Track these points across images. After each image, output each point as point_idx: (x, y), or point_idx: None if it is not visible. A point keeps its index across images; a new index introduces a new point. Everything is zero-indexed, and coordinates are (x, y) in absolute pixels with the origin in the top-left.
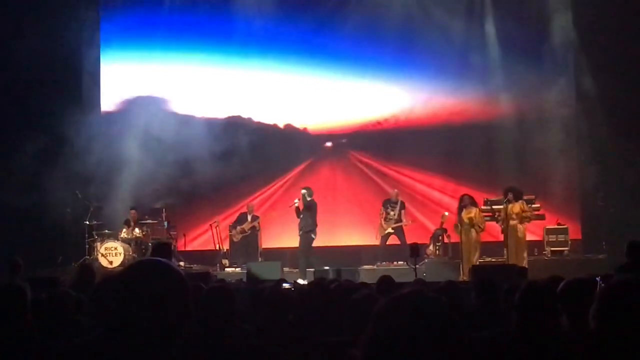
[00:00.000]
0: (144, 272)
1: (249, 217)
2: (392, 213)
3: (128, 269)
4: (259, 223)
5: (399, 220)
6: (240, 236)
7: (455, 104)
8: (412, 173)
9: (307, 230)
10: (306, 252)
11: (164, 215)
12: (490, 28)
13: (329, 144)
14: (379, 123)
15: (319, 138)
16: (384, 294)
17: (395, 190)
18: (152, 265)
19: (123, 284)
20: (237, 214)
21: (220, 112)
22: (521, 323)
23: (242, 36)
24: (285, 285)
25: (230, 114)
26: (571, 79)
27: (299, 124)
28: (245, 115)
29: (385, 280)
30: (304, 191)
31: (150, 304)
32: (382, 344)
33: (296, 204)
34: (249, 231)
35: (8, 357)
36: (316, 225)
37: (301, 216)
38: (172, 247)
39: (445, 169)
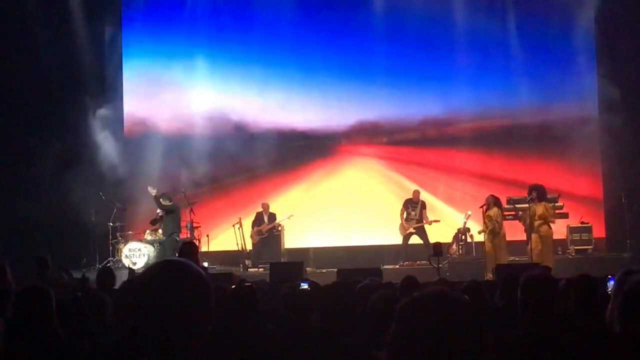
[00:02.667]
0: (165, 272)
1: (266, 218)
2: (413, 213)
3: (149, 270)
4: (279, 224)
5: (420, 220)
6: (257, 237)
7: (476, 101)
8: (434, 172)
9: (171, 234)
10: (170, 253)
11: (187, 216)
12: (511, 25)
13: (350, 143)
14: (400, 122)
15: (341, 138)
16: (407, 294)
17: (417, 190)
18: (173, 265)
19: (144, 285)
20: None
21: (241, 113)
22: (525, 318)
23: (261, 41)
24: (303, 286)
25: (251, 115)
26: (594, 75)
27: (320, 124)
28: (266, 116)
29: (409, 280)
30: (161, 197)
31: (172, 304)
32: (406, 344)
33: (159, 215)
34: (266, 233)
35: (35, 358)
36: (180, 229)
37: (162, 221)
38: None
39: (468, 166)
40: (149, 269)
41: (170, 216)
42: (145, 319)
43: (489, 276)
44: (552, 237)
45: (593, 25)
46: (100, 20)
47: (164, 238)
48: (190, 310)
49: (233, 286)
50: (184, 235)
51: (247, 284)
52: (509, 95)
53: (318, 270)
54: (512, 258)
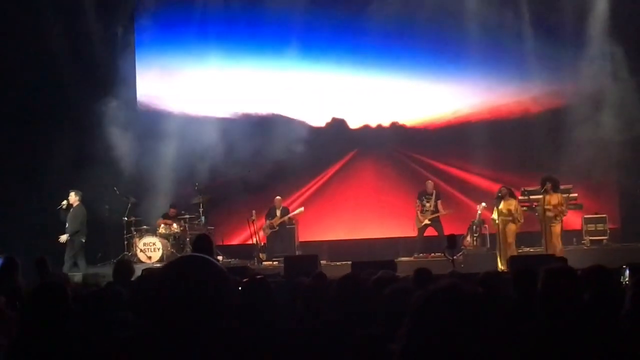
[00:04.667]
0: (185, 267)
1: (278, 212)
2: (427, 205)
3: (169, 264)
4: (289, 218)
5: (435, 211)
6: (269, 231)
7: (491, 93)
8: (449, 164)
9: (74, 233)
10: (76, 255)
11: (201, 210)
12: (525, 12)
13: (364, 136)
14: (413, 114)
15: (356, 133)
16: (421, 286)
17: (430, 181)
18: (193, 260)
19: (164, 279)
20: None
21: (257, 109)
22: (545, 310)
23: (277, 36)
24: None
25: (267, 112)
26: (608, 66)
27: (334, 119)
28: (281, 113)
29: (422, 272)
30: (72, 193)
31: (192, 299)
32: (419, 337)
33: (64, 207)
34: (277, 227)
35: (53, 353)
36: (85, 229)
37: (67, 219)
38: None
39: (483, 159)
40: (171, 263)
41: (74, 215)
42: (164, 313)
43: (502, 267)
44: (562, 228)
45: (607, 9)
46: (113, 14)
47: (70, 238)
48: (208, 304)
49: (245, 279)
50: (200, 229)
51: (258, 276)
52: (522, 84)
53: (332, 263)
54: (527, 249)
